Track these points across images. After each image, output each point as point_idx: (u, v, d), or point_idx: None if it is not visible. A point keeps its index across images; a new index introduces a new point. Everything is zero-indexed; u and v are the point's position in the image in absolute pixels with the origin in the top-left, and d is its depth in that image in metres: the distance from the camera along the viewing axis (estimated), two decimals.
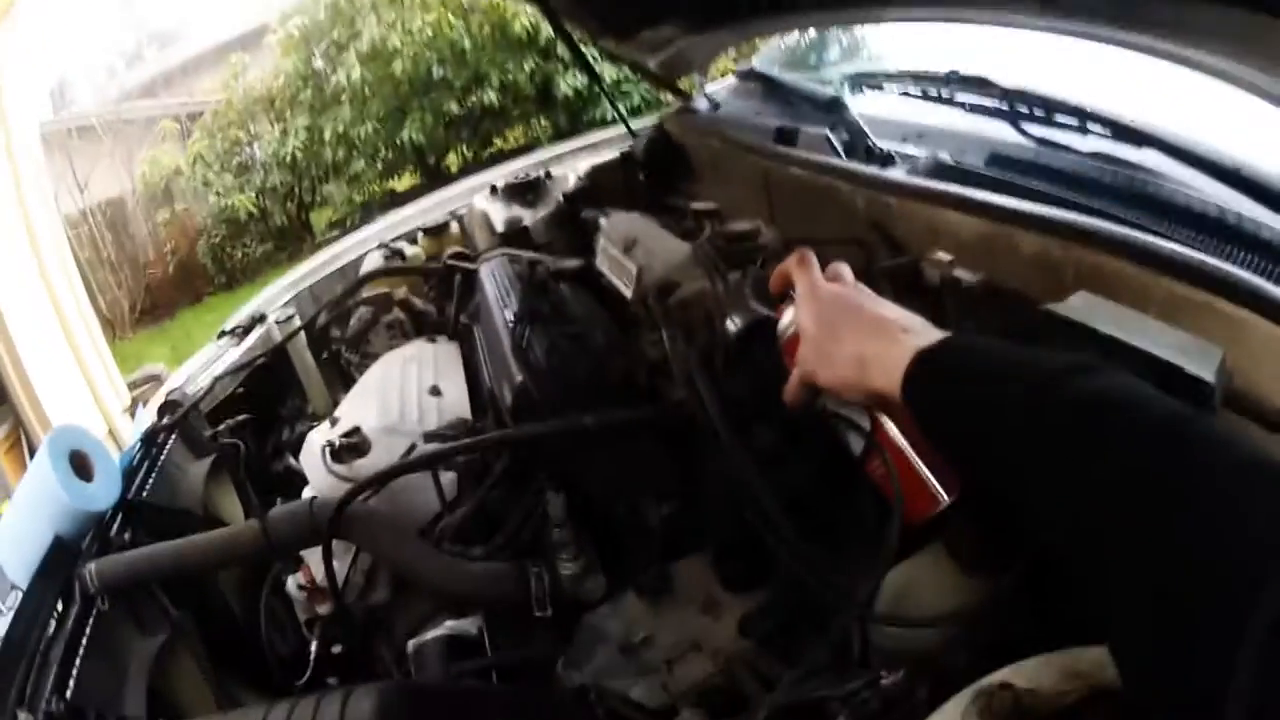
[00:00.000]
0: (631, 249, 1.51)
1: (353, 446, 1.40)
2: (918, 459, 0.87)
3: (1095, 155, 1.59)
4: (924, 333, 0.85)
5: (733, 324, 1.14)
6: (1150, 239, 1.08)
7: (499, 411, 1.39)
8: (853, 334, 0.89)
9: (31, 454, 5.53)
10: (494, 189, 2.48)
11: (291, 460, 1.99)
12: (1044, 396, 0.68)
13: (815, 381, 0.94)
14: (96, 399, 5.96)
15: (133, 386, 6.77)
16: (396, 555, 1.20)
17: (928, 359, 0.80)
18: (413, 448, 1.35)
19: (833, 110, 2.05)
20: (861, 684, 0.78)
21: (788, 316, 1.01)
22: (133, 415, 5.71)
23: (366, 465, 1.37)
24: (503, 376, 1.41)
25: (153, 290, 12.34)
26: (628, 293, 1.48)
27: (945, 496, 0.85)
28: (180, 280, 12.42)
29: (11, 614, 1.25)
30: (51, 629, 1.24)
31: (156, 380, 7.06)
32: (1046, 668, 0.67)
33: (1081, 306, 0.95)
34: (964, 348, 0.81)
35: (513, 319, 1.49)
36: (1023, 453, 0.69)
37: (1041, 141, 1.70)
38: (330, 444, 1.39)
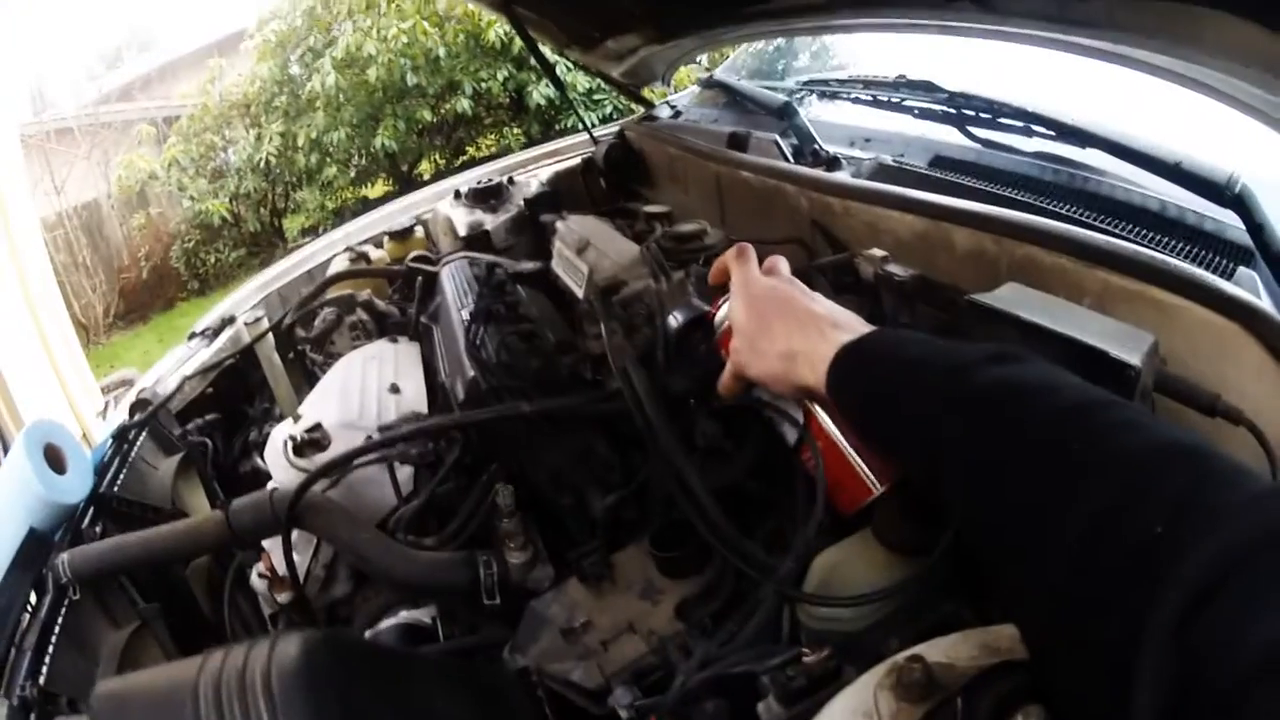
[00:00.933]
0: (584, 250, 1.56)
1: (314, 441, 1.44)
2: (849, 449, 0.92)
3: (1039, 155, 1.66)
4: (852, 328, 0.90)
5: (674, 319, 1.19)
6: (1084, 232, 1.13)
7: (450, 405, 1.44)
8: (783, 329, 0.93)
9: (5, 449, 5.50)
10: (458, 194, 2.51)
11: (259, 460, 2.03)
12: (958, 383, 0.71)
13: (747, 374, 0.99)
14: (70, 401, 5.90)
15: (106, 390, 6.73)
16: (352, 543, 1.23)
17: (850, 352, 0.84)
18: (368, 439, 1.39)
19: (784, 116, 2.10)
20: (784, 659, 0.80)
21: (724, 310, 1.06)
22: (104, 416, 5.67)
23: (326, 459, 1.41)
24: (456, 372, 1.46)
25: (126, 294, 12.27)
26: (579, 292, 1.53)
27: (878, 485, 0.89)
28: (154, 285, 12.35)
29: None
30: (26, 619, 1.26)
31: (129, 385, 7.05)
32: (964, 643, 0.68)
33: (1009, 296, 1.00)
34: (884, 341, 0.85)
35: (468, 318, 1.55)
36: (938, 438, 0.71)
37: (986, 143, 1.76)
38: (292, 438, 1.43)
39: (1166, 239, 1.38)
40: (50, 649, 1.23)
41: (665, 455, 1.06)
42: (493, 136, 12.08)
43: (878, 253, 1.28)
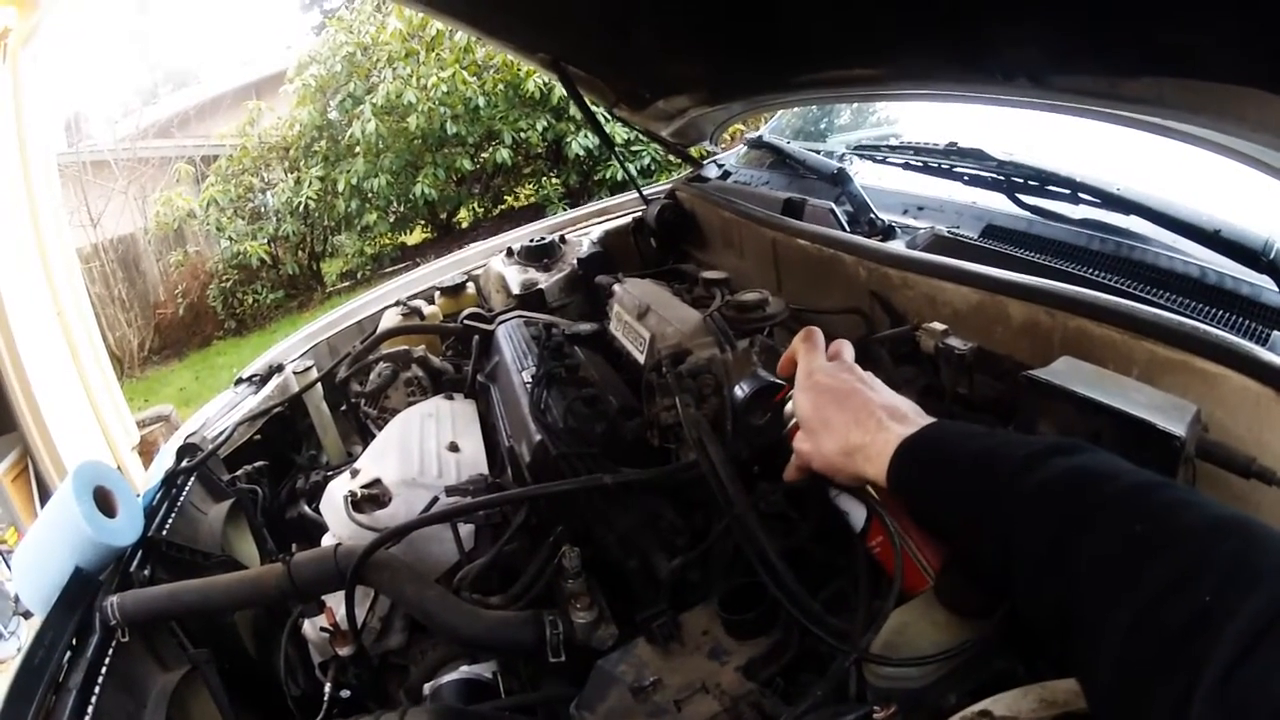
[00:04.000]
0: (645, 316, 1.58)
1: (373, 497, 1.46)
2: (908, 540, 0.94)
3: (1086, 223, 1.68)
4: (911, 419, 0.93)
5: (740, 390, 1.22)
6: (1131, 304, 1.17)
7: (517, 468, 1.45)
8: (842, 422, 0.96)
9: (38, 483, 5.50)
10: (510, 251, 2.55)
11: (305, 507, 2.05)
12: (1024, 476, 0.75)
13: (810, 466, 1.02)
14: (105, 434, 5.92)
15: (141, 425, 6.79)
16: (418, 601, 1.24)
17: (912, 447, 0.88)
18: (435, 500, 1.41)
19: (838, 182, 2.13)
20: (856, 716, 0.84)
21: (790, 405, 1.09)
22: (141, 453, 5.70)
23: (386, 515, 1.43)
24: (521, 435, 1.48)
25: (162, 330, 12.36)
26: (640, 357, 1.56)
27: (933, 574, 0.92)
28: (190, 322, 12.41)
29: (29, 639, 1.29)
30: (69, 657, 1.28)
31: (165, 421, 7.12)
32: (1024, 697, 0.72)
33: (1064, 370, 1.04)
34: (945, 435, 0.89)
35: (531, 380, 1.57)
36: (1008, 528, 0.75)
37: (1034, 210, 1.78)
38: (352, 494, 1.45)
39: (1205, 305, 1.41)
40: (97, 689, 1.24)
41: (744, 525, 1.07)
42: (531, 186, 12.17)
43: (938, 326, 1.30)
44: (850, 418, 0.95)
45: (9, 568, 4.99)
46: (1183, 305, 1.39)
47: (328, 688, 1.44)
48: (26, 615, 4.79)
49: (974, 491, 0.80)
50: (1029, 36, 1.27)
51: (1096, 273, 1.51)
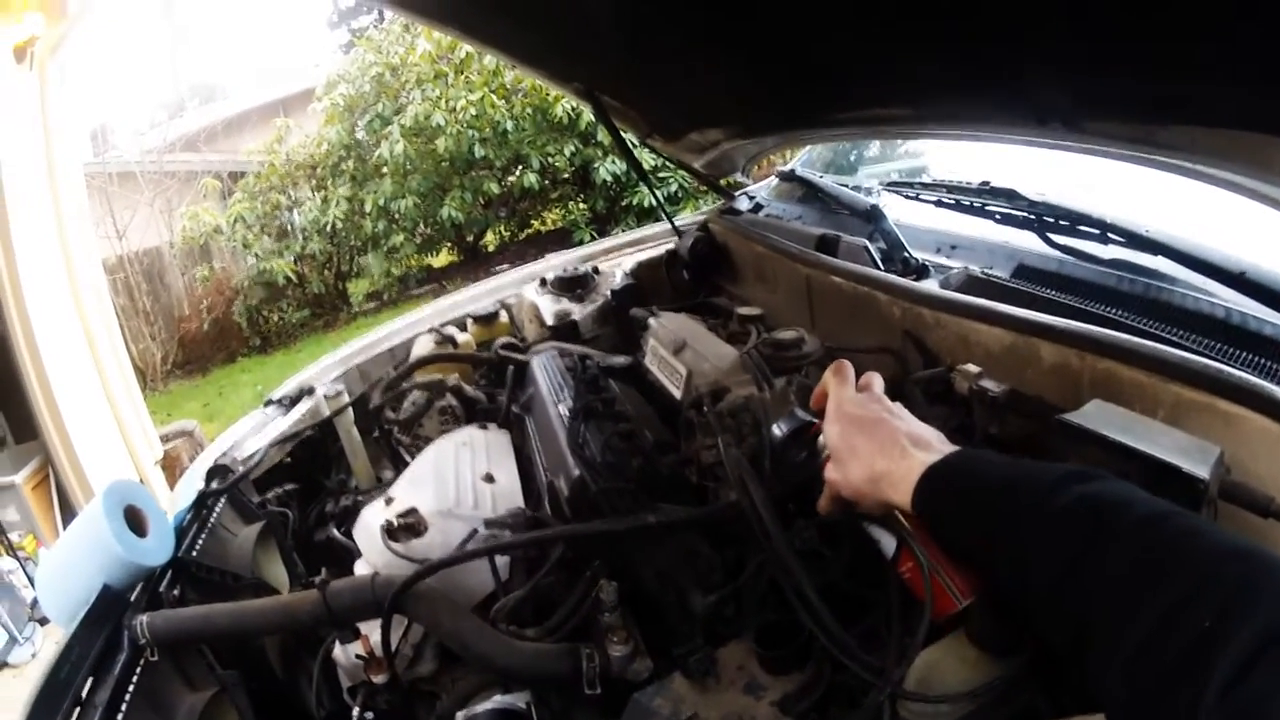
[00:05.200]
0: (681, 351, 1.60)
1: (409, 527, 1.47)
2: (936, 565, 0.97)
3: (1115, 263, 1.70)
4: (935, 447, 0.98)
5: (778, 430, 1.23)
6: (1158, 347, 1.20)
7: (556, 502, 1.46)
8: (868, 449, 1.00)
9: (59, 492, 5.54)
10: (543, 281, 2.57)
11: (334, 531, 2.06)
12: (1043, 502, 0.80)
13: (840, 495, 1.05)
14: (128, 446, 5.93)
15: (165, 439, 6.81)
16: (456, 632, 1.25)
17: (935, 473, 0.92)
18: (474, 533, 1.42)
19: (871, 219, 2.13)
20: None
21: (823, 438, 1.12)
22: (164, 468, 5.71)
23: (422, 545, 1.44)
24: (559, 469, 1.49)
25: (186, 344, 12.36)
26: (677, 393, 1.57)
27: (963, 599, 0.94)
28: (215, 337, 12.41)
29: (53, 653, 1.29)
30: (95, 674, 1.28)
31: (189, 436, 7.15)
32: None
33: (1094, 414, 1.09)
34: (967, 462, 0.93)
35: (568, 414, 1.59)
36: (1025, 552, 0.80)
37: (1064, 249, 1.81)
38: (388, 523, 1.46)
39: (1230, 346, 1.42)
40: (123, 707, 1.25)
41: (784, 564, 1.09)
42: (558, 210, 12.28)
43: (973, 368, 1.34)
44: (876, 445, 0.99)
45: (27, 574, 5.02)
46: (1208, 346, 1.40)
47: (355, 712, 1.45)
48: (43, 622, 4.83)
49: (995, 515, 0.85)
50: (1065, 83, 1.29)
51: (1125, 314, 1.53)
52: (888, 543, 1.04)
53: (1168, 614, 0.64)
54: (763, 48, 1.72)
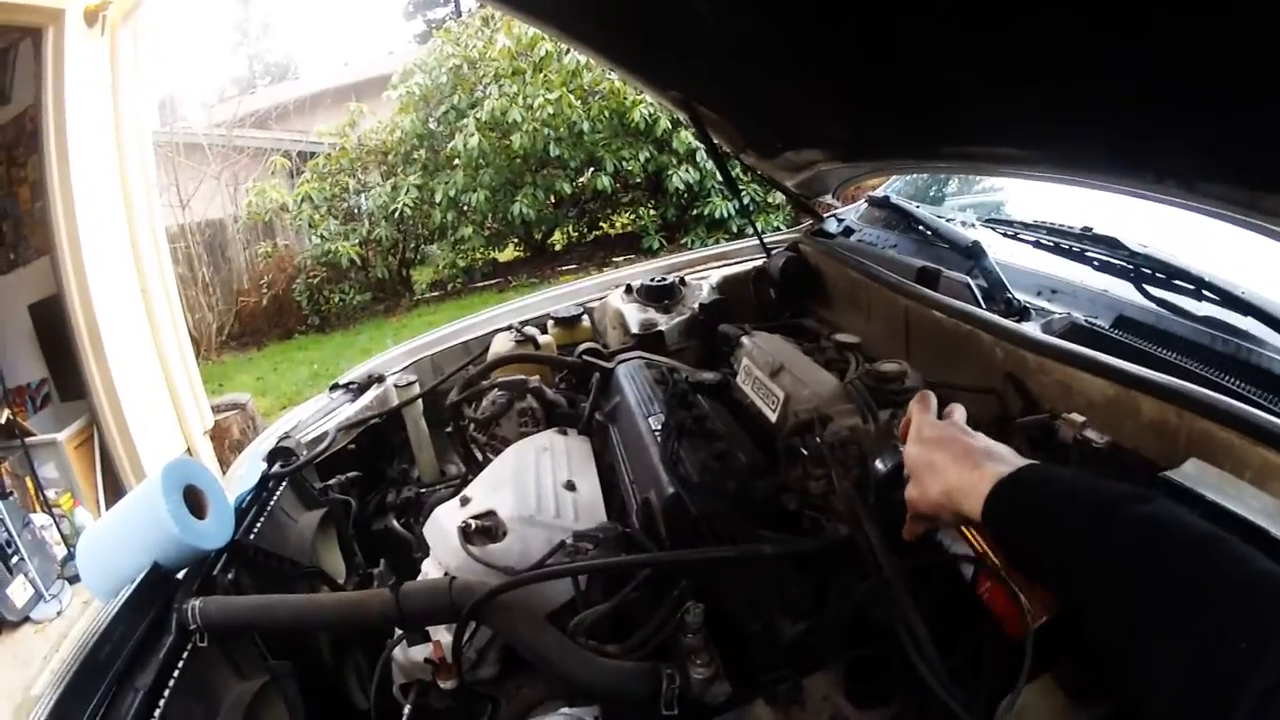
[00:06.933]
0: (778, 374, 1.56)
1: (487, 530, 1.44)
2: (1011, 584, 0.99)
3: (1206, 320, 1.68)
4: (1006, 459, 1.01)
5: (881, 464, 1.21)
6: (1250, 410, 1.22)
7: (650, 520, 1.42)
8: (943, 465, 1.04)
9: (103, 454, 5.59)
10: (629, 288, 2.53)
11: (394, 522, 2.04)
12: (1105, 519, 0.84)
13: (920, 511, 1.07)
14: (178, 413, 5.99)
15: (216, 410, 6.88)
16: (534, 645, 1.24)
17: (1006, 485, 0.95)
18: (561, 544, 1.39)
19: (972, 255, 2.08)
20: None
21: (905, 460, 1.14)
22: (213, 438, 5.75)
23: (499, 550, 1.41)
24: (650, 485, 1.45)
25: (243, 318, 12.58)
26: (771, 415, 1.53)
27: (1035, 619, 0.97)
28: (273, 313, 12.58)
29: (94, 630, 1.28)
30: (137, 656, 1.27)
31: (241, 410, 7.21)
32: None
33: (1193, 474, 1.12)
34: (1036, 476, 0.96)
35: (659, 429, 1.56)
36: (1085, 564, 0.85)
37: (1161, 303, 1.79)
38: (466, 524, 1.42)
39: None
40: (166, 692, 1.23)
41: (898, 600, 1.09)
42: (628, 215, 12.33)
43: (1078, 418, 1.35)
44: (950, 459, 1.03)
45: (60, 531, 5.07)
46: None
47: (407, 709, 1.45)
48: (72, 580, 4.87)
49: (1057, 528, 0.88)
50: (1193, 147, 1.29)
51: (1218, 373, 1.50)
52: (967, 567, 1.09)
53: (1210, 636, 0.69)
54: (881, 73, 1.70)
